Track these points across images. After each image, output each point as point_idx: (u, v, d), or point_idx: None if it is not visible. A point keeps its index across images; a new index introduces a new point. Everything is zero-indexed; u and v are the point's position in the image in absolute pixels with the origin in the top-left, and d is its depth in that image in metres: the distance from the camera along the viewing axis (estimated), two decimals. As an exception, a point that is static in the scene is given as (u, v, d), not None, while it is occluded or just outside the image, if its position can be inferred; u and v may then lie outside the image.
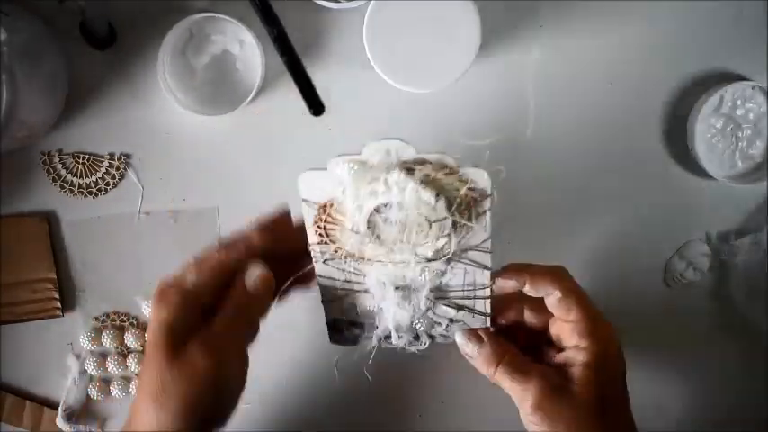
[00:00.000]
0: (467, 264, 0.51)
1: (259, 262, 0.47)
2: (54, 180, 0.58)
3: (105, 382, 0.60)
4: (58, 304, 0.59)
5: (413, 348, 0.52)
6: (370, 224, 0.47)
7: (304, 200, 0.49)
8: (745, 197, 0.59)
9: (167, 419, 0.41)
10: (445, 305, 0.51)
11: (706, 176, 0.57)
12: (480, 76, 0.58)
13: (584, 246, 0.60)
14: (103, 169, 0.59)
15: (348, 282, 0.51)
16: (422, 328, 0.52)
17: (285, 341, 0.60)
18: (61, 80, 0.56)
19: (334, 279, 0.51)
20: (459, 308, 0.51)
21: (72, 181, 0.59)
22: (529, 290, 0.47)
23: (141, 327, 0.60)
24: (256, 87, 0.55)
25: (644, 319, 0.60)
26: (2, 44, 0.49)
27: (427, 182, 0.48)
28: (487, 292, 0.51)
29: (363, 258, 0.49)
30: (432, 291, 0.51)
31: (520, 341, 0.49)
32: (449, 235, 0.49)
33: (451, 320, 0.52)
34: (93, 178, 0.59)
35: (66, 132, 0.58)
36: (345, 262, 0.50)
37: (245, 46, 0.57)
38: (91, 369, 0.59)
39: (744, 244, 0.59)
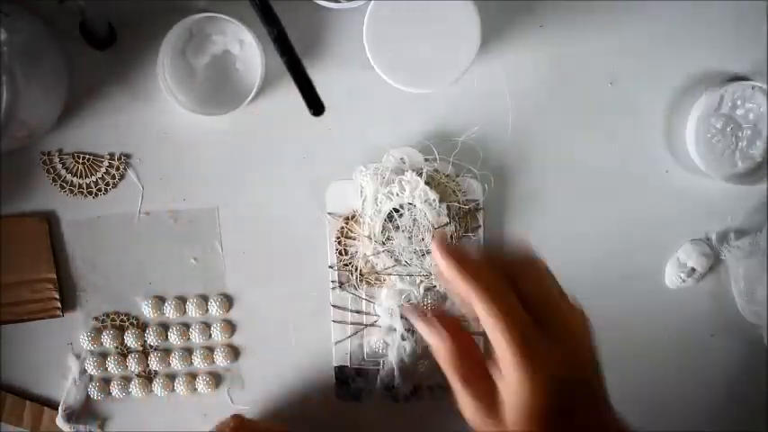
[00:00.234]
0: None
1: None
2: (54, 180, 0.58)
3: (105, 382, 0.60)
4: (58, 304, 0.59)
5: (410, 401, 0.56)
6: (384, 230, 0.53)
7: (329, 213, 0.55)
8: (745, 197, 0.59)
9: None
10: None
11: (706, 176, 0.57)
12: (480, 76, 0.58)
13: (584, 246, 0.60)
14: (103, 169, 0.59)
15: (359, 313, 0.56)
16: (422, 369, 0.56)
17: (285, 341, 0.60)
18: (61, 80, 0.56)
19: (346, 310, 0.56)
20: None
21: (72, 181, 0.59)
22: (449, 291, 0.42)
23: (141, 327, 0.60)
24: (256, 87, 0.55)
25: (644, 320, 0.60)
26: (2, 44, 0.49)
27: (432, 183, 0.55)
28: (481, 326, 0.55)
29: (376, 273, 0.55)
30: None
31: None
32: (450, 244, 0.53)
33: None
34: (93, 178, 0.59)
35: (66, 132, 0.58)
36: (359, 286, 0.55)
37: (245, 46, 0.57)
38: (91, 369, 0.59)
39: (744, 244, 0.59)
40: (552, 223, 0.59)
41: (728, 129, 0.58)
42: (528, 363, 0.37)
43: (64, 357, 0.60)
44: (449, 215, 0.56)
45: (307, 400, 0.60)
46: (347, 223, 0.57)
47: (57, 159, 0.58)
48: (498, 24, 0.57)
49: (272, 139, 0.58)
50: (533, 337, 0.38)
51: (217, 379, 0.60)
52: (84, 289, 0.59)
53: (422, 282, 0.56)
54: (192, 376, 0.60)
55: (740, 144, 0.58)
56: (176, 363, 0.60)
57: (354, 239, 0.57)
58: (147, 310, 0.59)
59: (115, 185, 0.59)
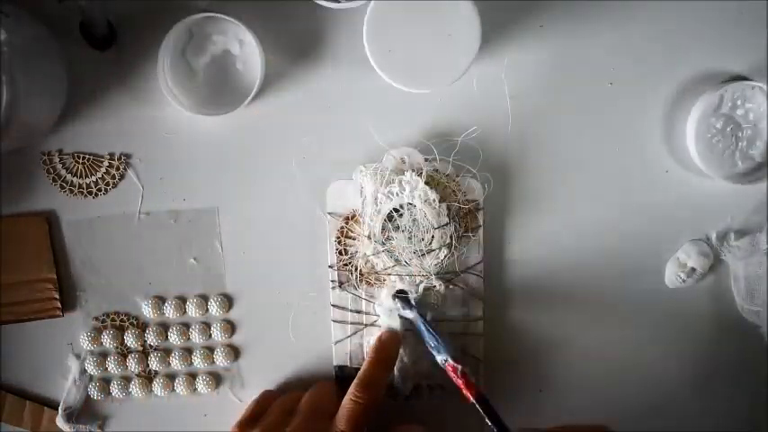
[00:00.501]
0: (463, 288, 0.56)
1: None
2: (54, 180, 0.58)
3: (105, 382, 0.60)
4: (58, 304, 0.59)
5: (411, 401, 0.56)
6: (384, 230, 0.53)
7: (329, 213, 0.56)
8: (745, 197, 0.59)
9: None
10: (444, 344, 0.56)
11: (706, 176, 0.57)
12: (480, 75, 0.58)
13: (584, 245, 0.60)
14: (103, 169, 0.59)
15: (359, 312, 0.56)
16: (422, 369, 0.56)
17: (285, 341, 0.60)
18: (61, 80, 0.56)
19: (346, 310, 0.56)
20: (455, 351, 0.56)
21: (72, 181, 0.59)
22: None
23: (141, 327, 0.60)
24: (256, 87, 0.55)
25: (644, 320, 0.60)
26: (2, 44, 0.49)
27: (432, 183, 0.56)
28: (480, 327, 0.57)
29: (376, 273, 0.55)
30: (434, 319, 0.56)
31: None
32: (450, 244, 0.54)
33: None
34: (93, 178, 0.59)
35: (66, 132, 0.58)
36: (358, 286, 0.55)
37: (245, 46, 0.57)
38: (91, 369, 0.60)
39: (744, 244, 0.59)
40: (552, 223, 0.59)
41: (728, 129, 0.58)
42: None
43: (64, 357, 0.60)
44: (449, 215, 0.56)
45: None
46: (347, 223, 0.57)
47: (57, 159, 0.58)
48: (498, 24, 0.57)
49: (273, 139, 0.58)
50: None
51: (217, 379, 0.60)
52: (84, 289, 0.59)
53: (421, 282, 0.56)
54: (192, 376, 0.60)
55: (740, 144, 0.58)
56: (176, 363, 0.60)
57: (354, 239, 0.57)
58: (147, 310, 0.59)
59: (115, 185, 0.59)
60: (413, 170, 0.56)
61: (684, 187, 0.59)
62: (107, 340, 0.59)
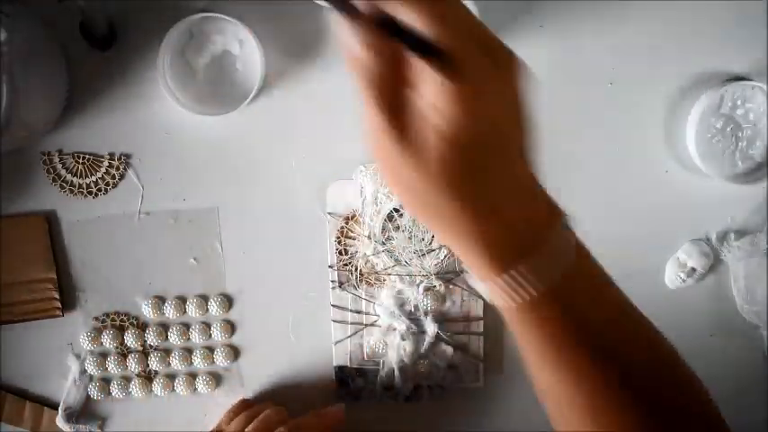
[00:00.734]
0: (463, 290, 0.56)
1: None
2: (54, 180, 0.58)
3: (105, 382, 0.60)
4: (58, 304, 0.59)
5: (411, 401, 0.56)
6: (384, 230, 0.53)
7: (329, 213, 0.56)
8: (745, 197, 0.59)
9: None
10: (444, 342, 0.56)
11: (706, 176, 0.57)
12: (480, 76, 0.58)
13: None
14: (103, 169, 0.59)
15: (359, 312, 0.56)
16: (422, 369, 0.57)
17: (285, 341, 0.60)
18: (61, 80, 0.56)
19: (346, 310, 0.56)
20: (456, 347, 0.56)
21: (72, 181, 0.59)
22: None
23: (141, 327, 0.60)
24: (256, 87, 0.55)
25: (644, 319, 0.60)
26: (2, 44, 0.49)
27: None
28: (480, 326, 0.57)
29: (376, 273, 0.55)
30: (434, 319, 0.56)
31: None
32: None
33: (449, 367, 0.57)
34: (93, 178, 0.59)
35: (67, 132, 0.58)
36: (358, 286, 0.55)
37: (245, 46, 0.57)
38: (91, 369, 0.59)
39: (744, 244, 0.59)
40: (552, 223, 0.59)
41: (728, 129, 0.58)
42: (473, 101, 0.32)
43: (64, 357, 0.60)
44: None
45: (307, 400, 0.60)
46: (347, 223, 0.57)
47: (57, 159, 0.58)
48: (498, 24, 0.57)
49: (273, 139, 0.58)
50: (484, 66, 0.33)
51: (217, 379, 0.60)
52: (84, 289, 0.59)
53: (422, 282, 0.56)
54: (192, 376, 0.60)
55: (740, 144, 0.58)
56: (176, 363, 0.60)
57: (354, 239, 0.57)
58: (147, 310, 0.59)
59: (115, 185, 0.59)
60: None
61: (684, 187, 0.59)
62: (107, 340, 0.59)
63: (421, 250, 0.55)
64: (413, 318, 0.57)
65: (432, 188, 0.33)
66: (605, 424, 0.36)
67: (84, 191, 0.59)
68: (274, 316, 0.60)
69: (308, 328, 0.59)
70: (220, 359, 0.60)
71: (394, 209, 0.56)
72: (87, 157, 0.58)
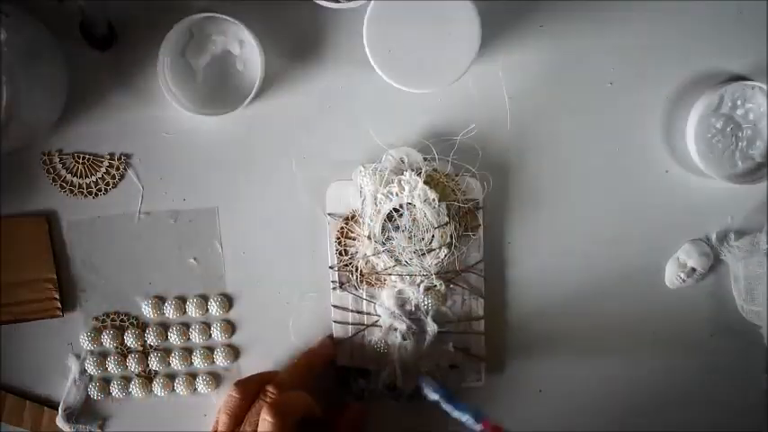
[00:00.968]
0: (464, 288, 0.56)
1: None
2: (54, 180, 0.58)
3: (105, 382, 0.60)
4: (58, 304, 0.59)
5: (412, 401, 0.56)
6: (384, 230, 0.52)
7: (329, 214, 0.56)
8: (745, 197, 0.59)
9: None
10: (445, 342, 0.56)
11: (706, 176, 0.57)
12: (480, 75, 0.58)
13: (584, 246, 0.60)
14: (103, 169, 0.59)
15: (360, 313, 0.56)
16: (424, 369, 0.57)
17: (286, 341, 0.60)
18: (61, 80, 0.56)
19: (346, 310, 0.57)
20: (457, 347, 0.57)
21: (72, 181, 0.59)
22: None
23: (141, 327, 0.60)
24: (256, 87, 0.55)
25: (644, 320, 0.60)
26: (2, 44, 0.49)
27: (431, 183, 0.56)
28: (482, 326, 0.57)
29: (376, 274, 0.55)
30: (434, 320, 0.56)
31: None
32: (450, 244, 0.54)
33: (451, 366, 0.57)
34: (93, 178, 0.59)
35: (66, 132, 0.58)
36: (359, 286, 0.56)
37: (245, 46, 0.57)
38: (91, 369, 0.60)
39: (744, 244, 0.59)
40: (551, 222, 0.59)
41: (728, 129, 0.58)
42: None
43: (64, 357, 0.60)
44: (448, 214, 0.56)
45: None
46: (347, 224, 0.57)
47: (57, 159, 0.58)
48: (498, 24, 0.57)
49: (273, 140, 0.58)
50: None
51: (217, 379, 0.60)
52: (84, 289, 0.59)
53: (422, 281, 0.56)
54: (192, 376, 0.60)
55: (740, 144, 0.58)
56: (176, 363, 0.60)
57: (354, 240, 0.57)
58: (147, 310, 0.59)
59: (115, 185, 0.59)
60: (412, 170, 0.56)
61: (684, 187, 0.59)
62: (107, 340, 0.59)
63: (421, 250, 0.55)
64: (414, 318, 0.57)
65: None
66: None
67: (84, 191, 0.59)
68: (274, 316, 0.60)
69: (308, 328, 0.59)
70: (220, 359, 0.60)
71: (394, 209, 0.56)
72: (87, 157, 0.58)
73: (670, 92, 0.59)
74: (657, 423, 0.61)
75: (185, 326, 0.60)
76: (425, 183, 0.55)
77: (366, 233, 0.56)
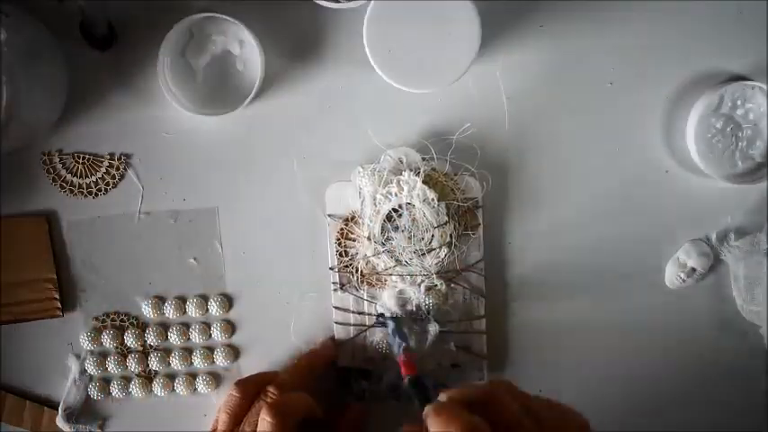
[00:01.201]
0: (465, 288, 0.56)
1: None
2: (54, 180, 0.58)
3: (105, 382, 0.60)
4: (58, 304, 0.59)
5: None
6: (384, 231, 0.52)
7: (329, 215, 0.56)
8: (745, 197, 0.59)
9: None
10: (447, 341, 0.56)
11: (706, 176, 0.57)
12: (480, 75, 0.58)
13: (584, 245, 0.60)
14: (103, 169, 0.59)
15: (361, 314, 0.56)
16: (426, 368, 0.56)
17: (286, 341, 0.60)
18: (61, 80, 0.56)
19: (348, 311, 0.57)
20: (459, 346, 0.56)
21: (72, 181, 0.59)
22: None
23: (141, 327, 0.60)
24: (256, 87, 0.55)
25: (644, 320, 0.60)
26: (2, 44, 0.49)
27: (430, 183, 0.56)
28: (483, 325, 0.57)
29: (377, 274, 0.55)
30: (435, 319, 0.56)
31: None
32: (450, 243, 0.54)
33: (453, 365, 0.57)
34: (93, 178, 0.59)
35: (66, 132, 0.58)
36: (360, 287, 0.55)
37: (245, 46, 0.57)
38: (91, 369, 0.60)
39: (744, 244, 0.59)
40: (551, 222, 0.59)
41: (728, 129, 0.58)
42: None
43: (64, 357, 0.60)
44: (448, 214, 0.56)
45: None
46: (347, 225, 0.57)
47: (57, 159, 0.58)
48: (498, 24, 0.57)
49: (272, 140, 0.59)
50: None
51: (217, 379, 0.60)
52: (84, 289, 0.59)
53: (422, 281, 0.56)
54: (192, 376, 0.60)
55: (740, 144, 0.58)
56: (176, 363, 0.60)
57: (354, 241, 0.57)
58: (147, 310, 0.59)
59: (115, 185, 0.59)
60: (411, 170, 0.56)
61: (684, 187, 0.59)
62: (107, 340, 0.59)
63: (421, 249, 0.55)
64: (415, 317, 0.57)
65: None
66: None
67: (84, 191, 0.59)
68: (274, 316, 0.60)
69: (308, 328, 0.59)
70: (220, 359, 0.60)
71: (393, 209, 0.56)
72: (87, 157, 0.58)
73: (670, 92, 0.59)
74: (657, 423, 0.61)
75: (185, 326, 0.60)
76: (424, 182, 0.55)
77: (366, 234, 0.56)
